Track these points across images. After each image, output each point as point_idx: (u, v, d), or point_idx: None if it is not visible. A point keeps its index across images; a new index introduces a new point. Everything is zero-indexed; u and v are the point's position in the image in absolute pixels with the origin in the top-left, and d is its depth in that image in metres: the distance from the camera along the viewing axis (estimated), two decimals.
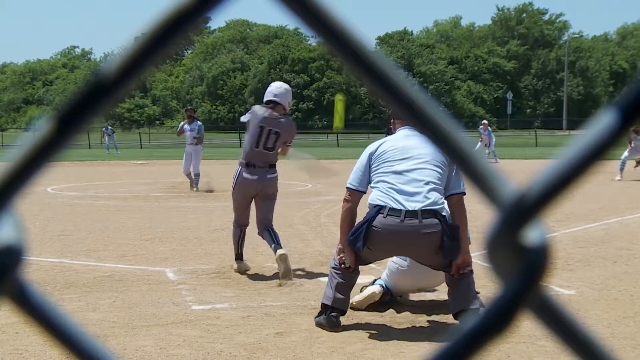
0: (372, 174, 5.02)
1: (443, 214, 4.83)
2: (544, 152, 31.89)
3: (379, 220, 4.79)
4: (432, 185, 4.83)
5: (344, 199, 5.10)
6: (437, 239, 4.74)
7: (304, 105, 74.80)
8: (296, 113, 70.03)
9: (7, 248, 0.36)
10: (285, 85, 6.93)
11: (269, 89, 6.84)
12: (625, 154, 18.42)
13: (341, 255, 5.02)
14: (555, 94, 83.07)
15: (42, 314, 0.37)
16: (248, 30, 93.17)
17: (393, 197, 4.80)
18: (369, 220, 4.82)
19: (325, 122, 69.42)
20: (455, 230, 4.79)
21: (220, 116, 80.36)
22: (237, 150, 30.09)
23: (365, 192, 5.12)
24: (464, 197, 4.95)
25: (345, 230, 5.02)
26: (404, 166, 4.90)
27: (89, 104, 0.41)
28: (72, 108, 0.41)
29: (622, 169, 18.29)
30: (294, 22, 0.39)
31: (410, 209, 4.74)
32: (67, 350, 0.38)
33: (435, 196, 4.80)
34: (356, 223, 4.95)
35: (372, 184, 5.03)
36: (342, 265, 5.00)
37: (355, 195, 5.06)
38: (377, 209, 4.82)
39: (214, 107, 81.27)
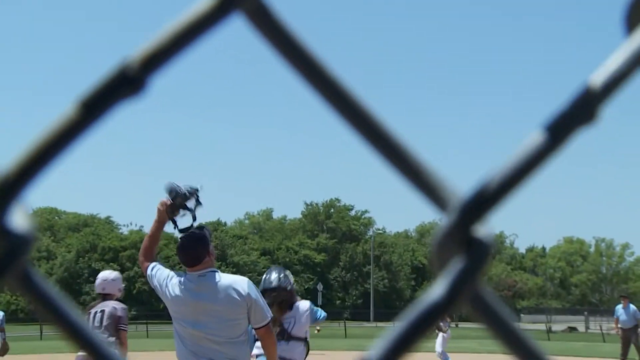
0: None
1: None
2: (353, 343, 32.21)
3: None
4: (230, 343, 4.70)
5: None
6: None
7: None
8: None
9: (19, 235, 0.38)
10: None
11: None
12: (439, 345, 17.55)
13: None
14: (363, 286, 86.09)
15: (44, 297, 0.39)
16: (56, 218, 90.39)
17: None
18: None
19: (134, 312, 66.99)
20: None
21: (20, 307, 75.42)
22: (36, 344, 27.87)
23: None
24: None
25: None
26: (195, 332, 4.64)
27: None
28: None
29: None
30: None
31: None
32: (66, 332, 0.39)
33: (234, 353, 4.73)
34: None
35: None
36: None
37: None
38: None
39: (13, 297, 76.40)
